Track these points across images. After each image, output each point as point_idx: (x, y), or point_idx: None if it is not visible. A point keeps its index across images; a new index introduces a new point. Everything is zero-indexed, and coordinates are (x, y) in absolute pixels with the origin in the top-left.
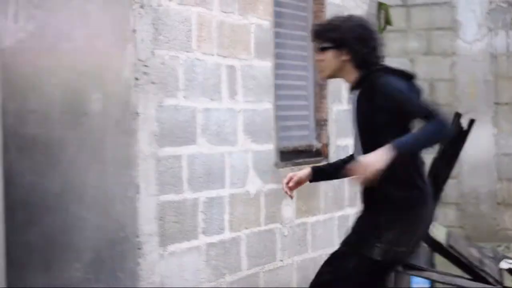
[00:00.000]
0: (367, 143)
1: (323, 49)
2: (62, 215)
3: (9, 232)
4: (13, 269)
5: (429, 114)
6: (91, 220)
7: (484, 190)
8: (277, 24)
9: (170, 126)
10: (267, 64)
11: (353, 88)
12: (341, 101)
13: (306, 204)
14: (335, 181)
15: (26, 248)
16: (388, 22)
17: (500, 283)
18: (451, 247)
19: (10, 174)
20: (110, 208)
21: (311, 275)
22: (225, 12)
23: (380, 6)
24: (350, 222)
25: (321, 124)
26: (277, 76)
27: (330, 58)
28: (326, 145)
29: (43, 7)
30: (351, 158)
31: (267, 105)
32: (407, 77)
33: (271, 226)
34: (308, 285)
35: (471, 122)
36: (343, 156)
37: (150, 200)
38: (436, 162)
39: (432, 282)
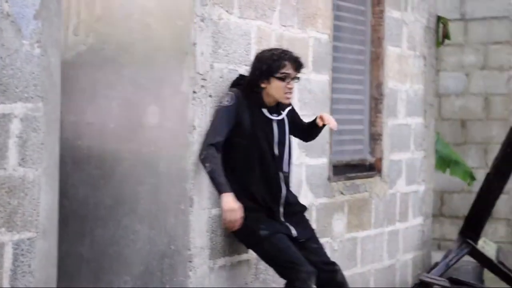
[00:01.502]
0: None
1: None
2: (114, 227)
3: (61, 243)
4: (64, 280)
5: None
6: (142, 232)
7: None
8: (335, 38)
9: None
10: (324, 78)
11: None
12: (396, 115)
13: (357, 218)
14: (387, 195)
15: (78, 259)
16: (446, 36)
17: None
18: (501, 263)
19: (65, 186)
20: (162, 221)
21: None
22: (284, 26)
23: (439, 20)
24: (400, 237)
25: (375, 138)
26: (333, 90)
27: None
28: (379, 160)
29: (104, 20)
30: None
31: None
32: None
33: (322, 240)
34: None
35: None
36: (396, 171)
37: (203, 214)
38: (489, 177)
39: None
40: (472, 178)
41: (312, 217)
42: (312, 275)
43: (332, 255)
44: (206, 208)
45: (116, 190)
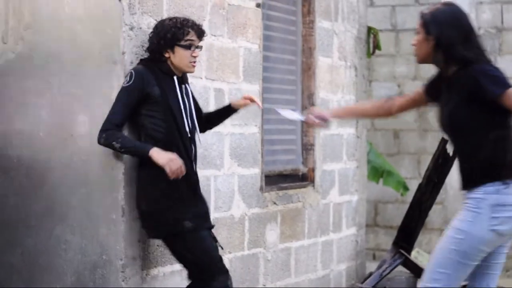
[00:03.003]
0: None
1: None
2: (45, 237)
3: None
4: None
5: None
6: (74, 242)
7: None
8: (266, 48)
9: None
10: (255, 88)
11: None
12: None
13: (290, 228)
14: (320, 205)
15: (8, 269)
16: (377, 46)
17: None
18: None
19: None
20: (94, 231)
21: None
22: (214, 35)
23: (370, 30)
24: (334, 247)
25: (307, 148)
26: (265, 100)
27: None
28: (312, 170)
29: (33, 28)
30: None
31: (254, 129)
32: None
33: (255, 250)
34: None
35: None
36: (328, 181)
37: (134, 223)
38: (421, 187)
39: None
40: (405, 188)
41: (245, 227)
42: (229, 277)
43: (266, 266)
44: (138, 218)
45: (47, 199)
